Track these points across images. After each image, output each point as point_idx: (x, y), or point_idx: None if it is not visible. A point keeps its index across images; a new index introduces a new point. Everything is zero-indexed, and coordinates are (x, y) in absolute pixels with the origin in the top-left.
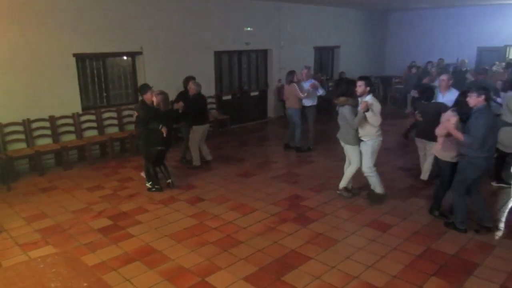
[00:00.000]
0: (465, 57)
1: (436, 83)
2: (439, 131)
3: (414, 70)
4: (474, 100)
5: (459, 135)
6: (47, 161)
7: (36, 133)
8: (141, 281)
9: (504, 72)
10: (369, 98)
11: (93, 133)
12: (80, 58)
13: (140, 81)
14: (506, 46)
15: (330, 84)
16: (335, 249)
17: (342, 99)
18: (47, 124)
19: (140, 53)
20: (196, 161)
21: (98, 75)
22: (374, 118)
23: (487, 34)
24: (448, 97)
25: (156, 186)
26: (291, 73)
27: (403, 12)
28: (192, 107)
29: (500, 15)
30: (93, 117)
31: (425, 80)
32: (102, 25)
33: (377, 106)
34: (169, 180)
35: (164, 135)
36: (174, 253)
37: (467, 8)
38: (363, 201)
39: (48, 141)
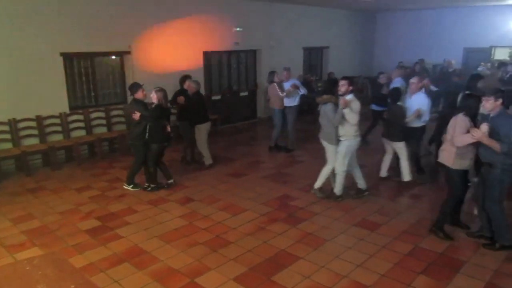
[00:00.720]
0: (452, 57)
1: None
2: (464, 139)
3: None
4: (492, 104)
5: (495, 144)
6: (34, 161)
7: (22, 133)
8: (130, 282)
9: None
10: (349, 96)
11: (81, 133)
12: (68, 57)
13: (129, 81)
14: (491, 46)
15: (319, 84)
16: (325, 249)
17: (325, 96)
18: (34, 124)
19: (128, 52)
20: (208, 160)
21: (86, 74)
22: (351, 115)
23: (473, 35)
24: (415, 100)
25: (152, 185)
26: (272, 73)
27: (391, 13)
28: (194, 105)
29: (485, 17)
30: (81, 117)
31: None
32: (90, 24)
33: (356, 105)
34: (171, 180)
35: (169, 130)
36: (164, 254)
37: (453, 9)
38: (352, 201)
39: (35, 141)
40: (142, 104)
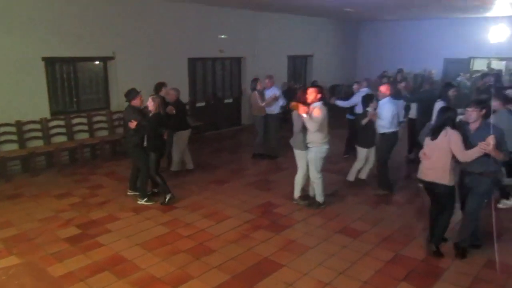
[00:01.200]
0: (433, 67)
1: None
2: (473, 154)
3: (385, 80)
4: (477, 115)
5: (499, 154)
6: (13, 167)
7: (1, 138)
8: None
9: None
10: (316, 104)
11: (62, 139)
12: (50, 62)
13: (112, 87)
14: (470, 58)
15: None
16: (308, 256)
17: (293, 103)
18: (13, 129)
19: (112, 58)
20: (175, 167)
21: (68, 79)
22: (309, 122)
23: (453, 46)
24: (381, 105)
25: (167, 196)
26: (255, 81)
27: (374, 23)
28: (176, 112)
29: (464, 28)
30: (62, 123)
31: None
32: (73, 29)
33: (317, 113)
34: (155, 189)
35: (166, 137)
36: (145, 262)
37: (434, 20)
38: (335, 208)
39: (14, 146)
40: (138, 112)
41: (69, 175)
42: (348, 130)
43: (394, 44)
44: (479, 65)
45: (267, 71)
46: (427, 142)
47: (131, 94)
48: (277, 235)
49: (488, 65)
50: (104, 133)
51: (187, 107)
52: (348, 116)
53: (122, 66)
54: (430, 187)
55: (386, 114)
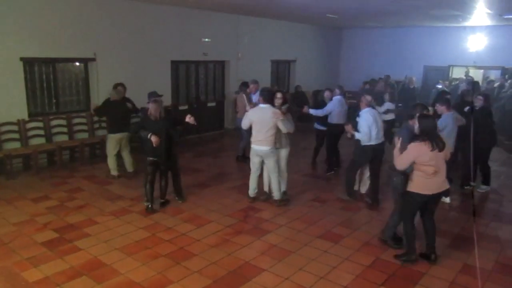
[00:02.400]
0: (413, 75)
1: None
2: None
3: (367, 86)
4: None
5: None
6: None
7: None
8: None
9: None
10: (284, 107)
11: (40, 141)
12: (28, 63)
13: (93, 89)
14: (449, 66)
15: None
16: (289, 261)
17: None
18: None
19: (93, 59)
20: (112, 171)
21: (47, 80)
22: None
23: (433, 54)
24: (362, 115)
25: (146, 203)
26: (244, 84)
27: (356, 30)
28: (110, 113)
29: (444, 37)
30: (40, 124)
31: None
32: (53, 29)
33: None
34: (162, 200)
35: (154, 145)
36: (124, 267)
37: (414, 28)
38: (317, 212)
39: None
40: (142, 115)
41: (47, 178)
42: (317, 140)
43: (375, 51)
44: (458, 73)
45: (251, 75)
46: (432, 155)
47: (149, 96)
48: (259, 240)
49: (466, 73)
50: (84, 135)
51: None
52: (317, 126)
53: (104, 67)
54: (438, 197)
55: (363, 126)
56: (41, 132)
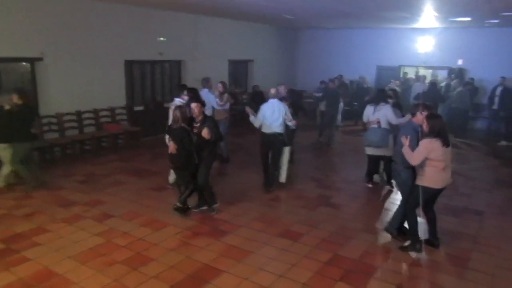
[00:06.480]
0: (367, 74)
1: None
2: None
3: (323, 85)
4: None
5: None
6: None
7: None
8: None
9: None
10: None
11: None
12: None
13: (41, 90)
14: (400, 65)
15: (244, 97)
16: (249, 261)
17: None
18: None
19: (41, 59)
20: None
21: None
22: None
23: (385, 54)
24: (264, 104)
25: (183, 206)
26: (205, 79)
27: (312, 31)
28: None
29: (395, 38)
30: None
31: None
32: None
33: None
34: (176, 205)
35: (169, 151)
36: (78, 275)
37: (368, 30)
38: (276, 212)
39: None
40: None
41: None
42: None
43: (331, 52)
44: (409, 73)
45: (208, 75)
46: (443, 151)
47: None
48: (218, 241)
49: (416, 73)
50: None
51: (124, 111)
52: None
53: (52, 68)
54: (443, 190)
55: (259, 113)
56: None
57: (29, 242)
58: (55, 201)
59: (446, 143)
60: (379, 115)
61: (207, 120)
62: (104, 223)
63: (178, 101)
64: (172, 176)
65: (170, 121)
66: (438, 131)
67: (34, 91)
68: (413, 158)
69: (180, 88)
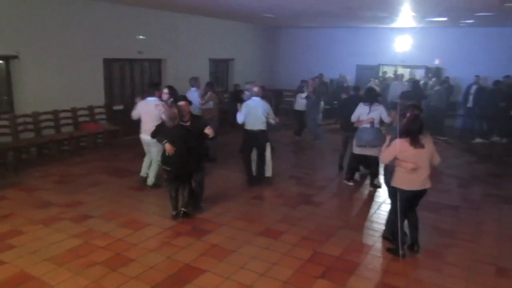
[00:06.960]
0: (347, 73)
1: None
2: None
3: (304, 84)
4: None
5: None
6: None
7: None
8: None
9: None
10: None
11: None
12: None
13: (16, 89)
14: (379, 64)
15: (226, 95)
16: (230, 260)
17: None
18: None
19: (16, 57)
20: None
21: None
22: None
23: (365, 53)
24: (247, 101)
25: (172, 212)
26: (194, 79)
27: (293, 29)
28: None
29: (374, 37)
30: None
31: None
32: None
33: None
34: (182, 210)
35: (167, 153)
36: (55, 278)
37: (348, 29)
38: (257, 210)
39: None
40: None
41: None
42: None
43: (311, 51)
44: (388, 72)
45: (189, 73)
46: (414, 152)
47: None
48: (199, 241)
49: (395, 72)
50: (7, 139)
51: (103, 110)
52: None
53: (29, 66)
54: (421, 193)
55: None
56: None
57: (4, 244)
58: (31, 202)
59: (414, 144)
60: (375, 114)
61: (198, 119)
62: (82, 224)
63: (153, 100)
64: (144, 171)
65: (147, 121)
66: (409, 132)
67: (9, 90)
68: (383, 156)
69: (153, 87)
